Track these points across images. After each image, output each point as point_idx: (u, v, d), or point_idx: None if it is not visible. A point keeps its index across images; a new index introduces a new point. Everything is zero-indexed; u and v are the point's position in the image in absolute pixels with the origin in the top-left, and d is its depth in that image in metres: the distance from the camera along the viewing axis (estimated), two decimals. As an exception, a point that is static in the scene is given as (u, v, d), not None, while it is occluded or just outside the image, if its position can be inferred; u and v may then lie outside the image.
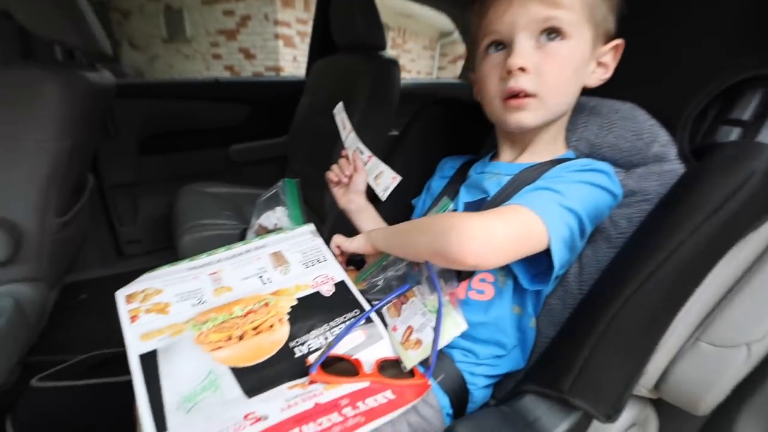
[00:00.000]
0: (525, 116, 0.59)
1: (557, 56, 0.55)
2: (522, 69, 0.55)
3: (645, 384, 0.54)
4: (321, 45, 1.94)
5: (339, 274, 0.65)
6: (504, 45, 0.58)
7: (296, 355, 0.53)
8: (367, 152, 0.80)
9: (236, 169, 2.00)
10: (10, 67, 0.95)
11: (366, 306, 0.62)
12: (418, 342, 0.55)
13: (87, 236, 1.45)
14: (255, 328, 0.55)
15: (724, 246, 0.47)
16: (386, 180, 0.78)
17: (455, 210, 0.71)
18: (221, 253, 0.66)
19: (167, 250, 1.61)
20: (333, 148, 1.40)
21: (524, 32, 0.55)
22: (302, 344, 0.55)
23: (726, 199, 0.44)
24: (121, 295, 0.57)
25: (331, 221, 1.33)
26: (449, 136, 0.91)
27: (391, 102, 1.49)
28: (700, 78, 0.59)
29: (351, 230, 0.72)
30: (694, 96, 0.59)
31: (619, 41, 0.58)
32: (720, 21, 0.58)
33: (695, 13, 0.60)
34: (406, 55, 9.16)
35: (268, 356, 0.52)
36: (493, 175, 0.67)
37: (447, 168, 0.83)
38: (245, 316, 0.56)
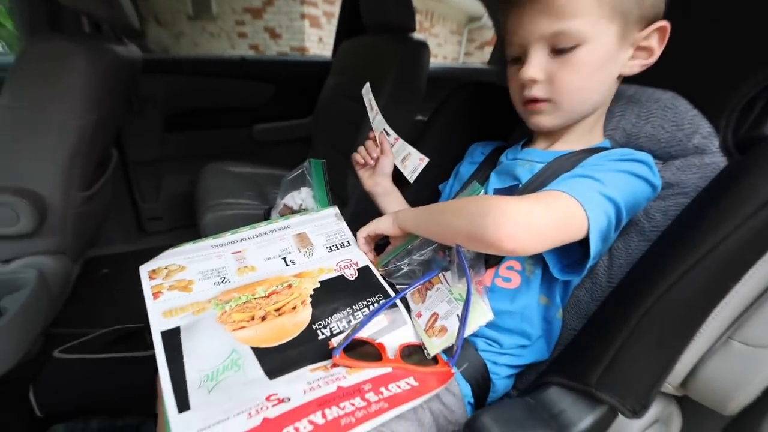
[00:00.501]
0: (542, 119, 0.61)
1: (572, 63, 0.54)
2: (533, 80, 0.57)
3: (672, 381, 0.52)
4: (349, 25, 1.91)
5: (363, 259, 0.65)
6: (521, 58, 0.59)
7: (319, 338, 0.53)
8: (393, 134, 0.78)
9: (260, 148, 2.00)
10: (38, 38, 0.95)
11: (390, 291, 0.61)
12: (443, 329, 0.54)
13: (110, 211, 1.47)
14: (278, 310, 0.54)
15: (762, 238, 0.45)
16: (413, 162, 0.76)
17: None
18: (245, 232, 0.65)
19: (188, 228, 1.62)
20: (358, 131, 1.38)
21: (536, 45, 0.55)
22: (325, 327, 0.54)
23: (761, 206, 0.42)
24: (144, 270, 0.56)
25: (352, 205, 1.32)
26: (479, 122, 0.89)
27: (420, 86, 1.45)
28: (748, 67, 0.57)
29: (372, 215, 0.71)
30: (741, 86, 0.57)
31: (662, 23, 0.54)
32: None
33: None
34: (432, 40, 8.95)
35: (291, 338, 0.52)
36: (526, 162, 0.66)
37: (477, 153, 0.81)
38: (268, 296, 0.55)
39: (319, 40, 6.39)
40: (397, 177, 0.80)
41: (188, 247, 0.62)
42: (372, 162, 0.78)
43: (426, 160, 0.75)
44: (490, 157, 0.76)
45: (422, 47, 1.45)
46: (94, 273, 1.59)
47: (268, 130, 1.99)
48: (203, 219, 1.34)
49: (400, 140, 0.78)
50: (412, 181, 0.77)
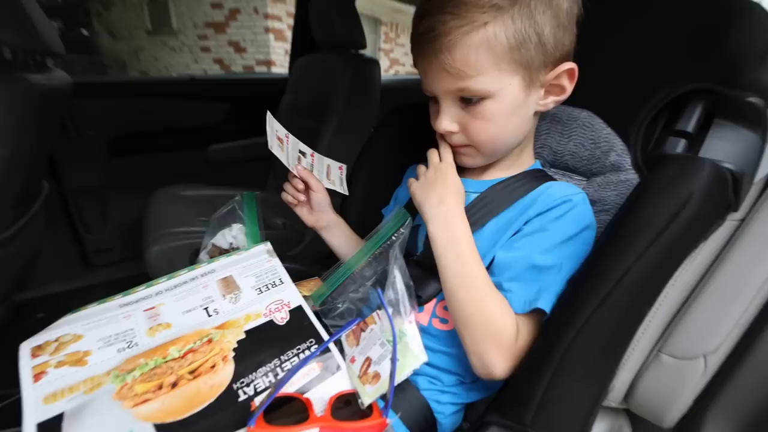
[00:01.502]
0: (466, 160, 0.61)
1: (481, 115, 0.54)
2: (447, 132, 0.57)
3: (614, 398, 0.54)
4: (303, 42, 1.89)
5: (295, 298, 0.60)
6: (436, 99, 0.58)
7: (240, 398, 0.47)
8: (308, 150, 0.74)
9: (216, 170, 1.92)
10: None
11: (323, 333, 0.56)
12: (377, 376, 0.51)
13: (40, 249, 1.36)
14: (193, 371, 0.48)
15: (673, 265, 0.48)
16: (335, 173, 0.73)
17: (419, 225, 0.66)
18: (162, 284, 0.58)
19: (141, 258, 1.53)
20: (317, 148, 1.35)
21: (445, 97, 0.55)
22: (248, 385, 0.49)
23: (668, 222, 0.44)
24: (26, 347, 0.48)
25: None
26: (417, 142, 0.85)
27: (372, 101, 1.46)
28: (651, 86, 0.58)
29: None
30: (646, 104, 0.59)
31: (568, 66, 0.53)
32: (667, 32, 0.60)
33: (636, 20, 0.63)
34: (399, 49, 9.20)
35: (206, 404, 0.46)
36: None
37: (413, 176, 0.77)
38: (183, 357, 0.49)
39: (285, 53, 6.37)
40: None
41: (91, 310, 0.54)
42: (302, 198, 0.72)
43: (344, 166, 0.73)
44: None
45: (372, 64, 1.46)
46: (27, 319, 1.45)
47: (225, 150, 1.91)
48: (148, 251, 1.25)
49: (316, 155, 0.74)
50: (347, 194, 0.75)
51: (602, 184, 0.63)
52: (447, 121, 0.56)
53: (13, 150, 0.92)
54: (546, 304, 0.51)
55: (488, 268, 0.56)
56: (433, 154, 0.62)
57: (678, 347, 0.48)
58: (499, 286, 0.53)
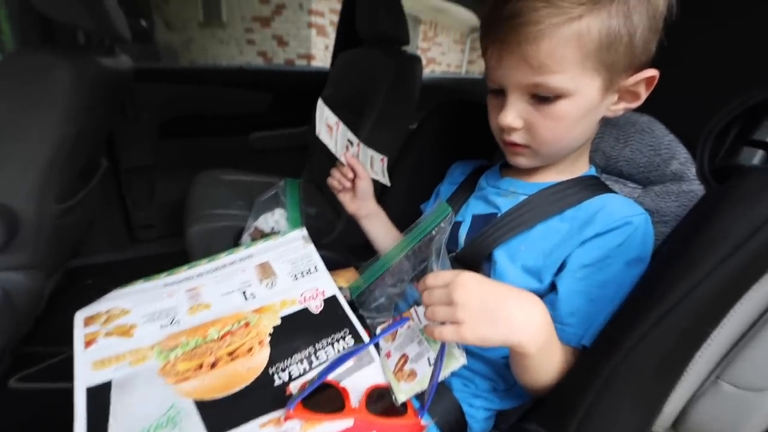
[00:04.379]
0: (521, 160, 0.56)
1: (552, 114, 0.49)
2: (511, 128, 0.51)
3: (662, 423, 0.49)
4: (347, 37, 1.87)
5: (330, 287, 0.58)
6: (500, 92, 0.52)
7: (275, 383, 0.47)
8: (356, 140, 0.72)
9: (256, 157, 1.94)
10: (26, 49, 0.91)
11: (357, 325, 0.55)
12: (413, 373, 0.49)
13: (94, 221, 1.41)
14: (231, 353, 0.48)
15: (746, 284, 0.42)
16: (377, 164, 0.72)
17: (460, 221, 0.63)
18: (203, 266, 0.59)
19: (180, 236, 1.57)
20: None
21: (515, 91, 0.49)
22: (283, 370, 0.48)
23: (748, 236, 0.39)
24: (80, 316, 0.49)
25: (345, 215, 1.27)
26: (460, 140, 0.84)
27: (412, 99, 1.42)
28: (722, 95, 0.53)
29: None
30: (716, 112, 0.53)
31: (651, 73, 0.48)
32: (748, 37, 0.55)
33: (720, 29, 0.57)
34: (437, 48, 9.10)
35: (244, 386, 0.46)
36: (508, 193, 0.61)
37: (456, 173, 0.76)
38: (221, 338, 0.49)
39: (325, 48, 6.43)
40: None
41: (138, 286, 0.55)
42: (348, 185, 0.71)
43: (386, 158, 0.71)
44: (470, 178, 0.71)
45: (415, 61, 1.42)
46: (77, 284, 1.51)
47: (265, 138, 1.93)
48: (189, 230, 1.27)
49: (362, 145, 0.73)
50: (389, 185, 0.73)
51: (661, 193, 0.58)
52: (512, 116, 0.50)
53: (80, 129, 0.95)
54: (592, 339, 0.48)
55: (538, 271, 0.53)
56: (427, 280, 0.46)
57: (742, 376, 0.43)
58: (558, 320, 0.50)
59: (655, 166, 0.58)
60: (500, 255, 0.56)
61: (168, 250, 1.78)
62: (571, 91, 0.47)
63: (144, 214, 1.75)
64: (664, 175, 0.58)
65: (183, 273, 0.57)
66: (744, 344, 0.43)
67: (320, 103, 0.66)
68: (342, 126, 0.69)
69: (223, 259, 0.60)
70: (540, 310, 0.43)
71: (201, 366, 0.46)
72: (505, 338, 0.42)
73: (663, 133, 0.58)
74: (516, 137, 0.52)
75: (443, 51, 9.20)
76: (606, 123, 0.61)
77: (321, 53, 6.43)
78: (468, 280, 0.42)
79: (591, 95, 0.48)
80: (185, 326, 0.50)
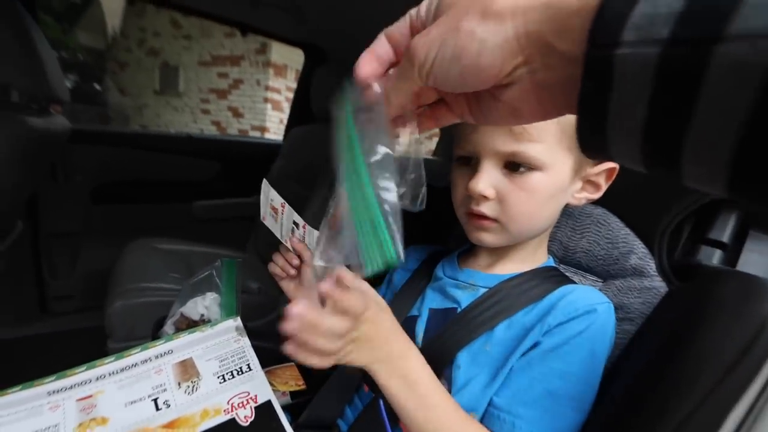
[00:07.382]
0: (486, 237, 0.52)
1: (526, 186, 0.47)
2: (483, 197, 0.48)
3: None
4: (300, 112, 1.88)
5: (264, 391, 0.48)
6: (471, 160, 0.51)
7: None
8: (301, 222, 0.66)
9: (198, 226, 1.80)
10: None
11: None
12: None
13: None
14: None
15: (740, 398, 0.37)
16: None
17: (416, 316, 0.57)
18: (107, 365, 0.47)
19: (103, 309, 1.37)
20: (304, 214, 1.28)
21: (490, 159, 0.48)
22: None
23: (740, 355, 0.36)
24: None
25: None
26: (415, 222, 0.79)
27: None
28: (674, 192, 0.54)
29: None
30: (668, 210, 0.54)
31: (611, 165, 0.49)
32: None
33: None
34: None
35: None
36: (467, 285, 0.56)
37: (411, 260, 0.70)
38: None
39: (279, 122, 6.54)
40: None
41: (11, 397, 0.42)
42: (293, 272, 0.63)
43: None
44: (425, 265, 0.66)
45: None
46: None
47: (210, 207, 1.80)
48: (111, 307, 1.10)
49: (308, 227, 0.66)
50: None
51: (623, 288, 0.55)
52: (485, 183, 0.47)
53: None
54: None
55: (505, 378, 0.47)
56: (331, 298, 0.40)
57: None
58: (505, 409, 0.44)
59: (614, 259, 0.57)
60: (463, 359, 0.50)
61: (86, 324, 1.54)
62: (547, 165, 0.46)
63: (63, 283, 1.52)
64: (625, 269, 0.56)
65: (78, 375, 0.45)
66: None
67: (265, 184, 0.61)
68: (288, 208, 0.64)
69: (135, 356, 0.48)
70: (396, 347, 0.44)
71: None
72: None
73: (619, 227, 0.58)
74: (485, 208, 0.49)
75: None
76: (562, 213, 0.60)
77: (275, 126, 6.54)
78: (381, 317, 0.44)
79: (563, 174, 0.48)
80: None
